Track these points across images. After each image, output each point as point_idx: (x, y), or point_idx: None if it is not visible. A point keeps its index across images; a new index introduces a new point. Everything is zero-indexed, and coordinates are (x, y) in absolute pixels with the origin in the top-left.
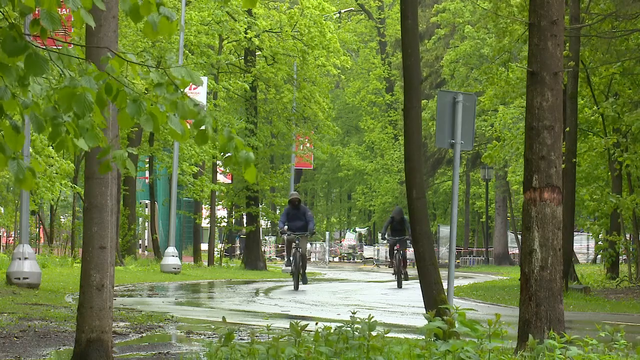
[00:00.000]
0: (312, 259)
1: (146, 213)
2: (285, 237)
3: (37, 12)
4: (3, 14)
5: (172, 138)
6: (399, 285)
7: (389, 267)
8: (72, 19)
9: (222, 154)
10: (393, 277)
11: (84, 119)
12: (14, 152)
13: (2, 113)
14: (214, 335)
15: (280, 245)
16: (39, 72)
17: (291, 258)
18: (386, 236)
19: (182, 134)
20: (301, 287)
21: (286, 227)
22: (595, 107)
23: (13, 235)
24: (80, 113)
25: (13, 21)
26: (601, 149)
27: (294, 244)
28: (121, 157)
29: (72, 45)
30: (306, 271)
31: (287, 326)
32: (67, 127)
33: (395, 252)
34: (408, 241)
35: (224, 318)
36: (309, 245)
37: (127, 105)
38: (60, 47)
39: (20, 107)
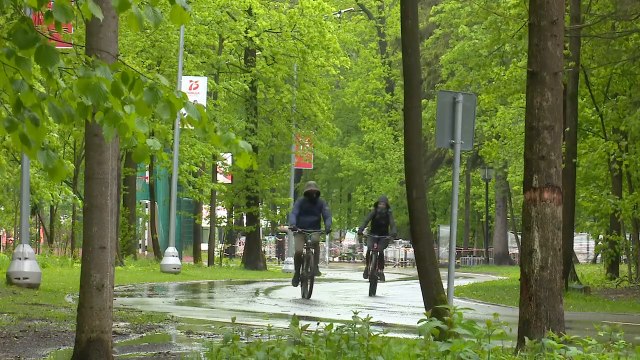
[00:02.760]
0: None
1: (146, 213)
2: (294, 234)
3: (37, 14)
4: (15, 6)
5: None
6: (372, 293)
7: (364, 276)
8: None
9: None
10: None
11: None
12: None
13: (21, 106)
14: (214, 335)
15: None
16: (49, 63)
17: (300, 272)
18: (364, 232)
19: (199, 121)
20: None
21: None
22: (594, 107)
23: (13, 235)
24: (95, 102)
25: (23, 14)
26: (602, 153)
27: (303, 254)
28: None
29: (71, 46)
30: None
31: (287, 326)
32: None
33: (371, 252)
34: (389, 241)
35: (233, 319)
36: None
37: (143, 94)
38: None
39: (38, 99)
